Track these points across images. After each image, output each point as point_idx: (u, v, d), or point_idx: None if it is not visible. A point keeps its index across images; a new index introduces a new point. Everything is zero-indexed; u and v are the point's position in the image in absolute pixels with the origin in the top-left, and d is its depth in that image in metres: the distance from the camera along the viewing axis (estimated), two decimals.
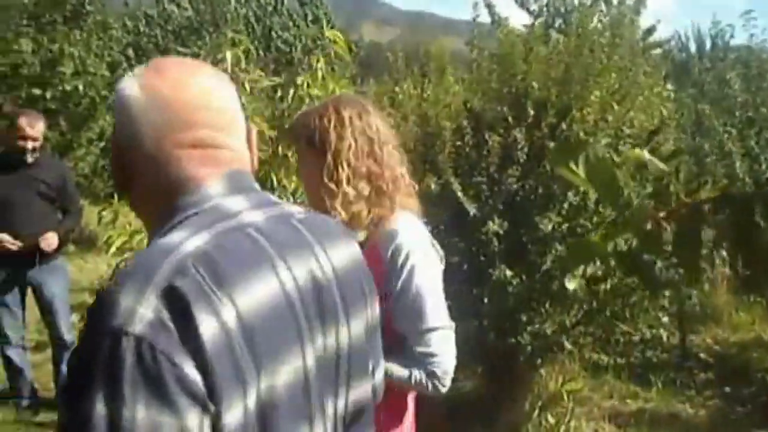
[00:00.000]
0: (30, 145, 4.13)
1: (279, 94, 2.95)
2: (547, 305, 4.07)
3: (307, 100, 2.70)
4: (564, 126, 4.12)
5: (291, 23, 18.94)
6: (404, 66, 5.92)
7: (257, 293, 0.89)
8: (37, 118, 4.22)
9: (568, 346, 4.13)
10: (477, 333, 4.14)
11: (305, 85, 2.87)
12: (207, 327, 0.81)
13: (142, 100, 0.94)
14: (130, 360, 0.77)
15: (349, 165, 1.73)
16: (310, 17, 19.22)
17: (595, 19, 4.86)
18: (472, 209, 3.92)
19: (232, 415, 0.82)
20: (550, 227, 3.86)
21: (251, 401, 0.85)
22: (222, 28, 15.32)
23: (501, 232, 3.91)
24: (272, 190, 2.90)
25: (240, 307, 0.85)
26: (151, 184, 0.96)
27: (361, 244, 1.38)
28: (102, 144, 10.64)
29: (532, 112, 4.10)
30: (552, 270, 3.89)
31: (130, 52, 15.33)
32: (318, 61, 3.06)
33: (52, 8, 10.26)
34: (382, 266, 1.67)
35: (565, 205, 3.87)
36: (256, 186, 1.03)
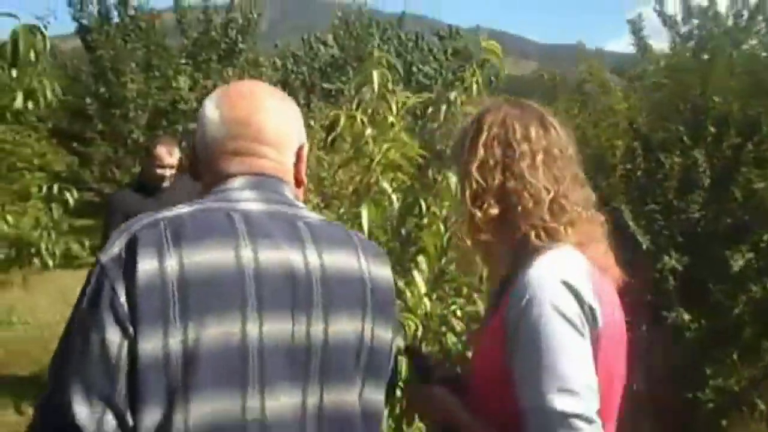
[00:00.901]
0: (168, 172, 4.12)
1: (430, 110, 2.56)
2: (734, 356, 3.40)
3: (460, 119, 2.27)
4: (751, 145, 3.46)
5: (431, 57, 18.83)
6: (553, 90, 5.42)
7: (206, 256, 1.01)
8: (173, 144, 4.22)
9: (760, 405, 3.42)
10: (646, 384, 3.53)
11: (458, 102, 2.43)
12: (145, 268, 0.98)
13: (209, 117, 1.17)
14: (92, 281, 0.99)
15: (476, 180, 1.30)
16: (450, 51, 19.03)
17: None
18: (645, 241, 3.34)
19: (148, 344, 0.95)
20: (741, 264, 3.20)
21: (173, 342, 0.96)
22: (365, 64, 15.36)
23: (679, 267, 3.30)
24: (420, 216, 2.46)
25: (184, 261, 0.99)
26: (207, 178, 1.17)
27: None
28: None
29: (713, 130, 3.48)
30: (744, 315, 3.22)
31: (279, 87, 15.74)
32: (473, 74, 2.61)
33: (208, 48, 10.60)
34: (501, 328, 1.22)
35: (765, 238, 3.21)
36: (285, 191, 1.16)
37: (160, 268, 0.97)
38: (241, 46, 10.98)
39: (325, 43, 19.07)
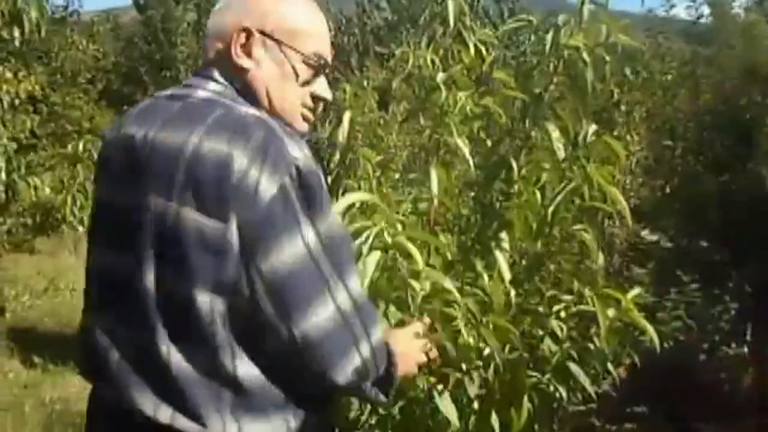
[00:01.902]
0: None
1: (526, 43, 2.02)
2: None
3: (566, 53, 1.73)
4: None
5: (487, 19, 17.96)
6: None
7: (119, 132, 1.14)
8: None
9: None
10: None
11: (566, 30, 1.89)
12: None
13: None
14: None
15: None
16: (506, 14, 18.11)
17: None
18: None
19: None
20: None
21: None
22: (421, 25, 14.72)
23: None
24: (509, 182, 1.95)
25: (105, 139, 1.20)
26: None
27: None
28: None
29: None
30: None
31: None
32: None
33: None
34: None
35: None
36: (213, 74, 1.14)
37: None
38: None
39: (378, 6, 18.38)
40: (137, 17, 10.70)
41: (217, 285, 1.00)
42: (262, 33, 1.13)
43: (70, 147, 7.67)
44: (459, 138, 2.18)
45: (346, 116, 2.08)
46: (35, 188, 4.03)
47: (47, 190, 4.15)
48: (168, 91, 1.18)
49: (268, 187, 0.98)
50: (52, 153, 7.49)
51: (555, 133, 1.73)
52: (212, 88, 1.11)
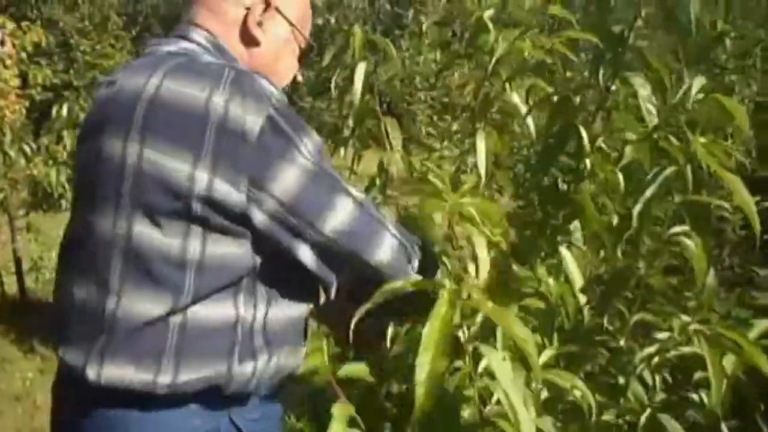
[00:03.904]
0: None
1: None
2: None
3: None
4: None
5: None
6: None
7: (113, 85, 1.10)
8: None
9: None
10: None
11: None
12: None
13: None
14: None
15: None
16: None
17: None
18: None
19: None
20: None
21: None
22: None
23: None
24: (579, 155, 1.49)
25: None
26: None
27: None
28: None
29: None
30: None
31: None
32: None
33: None
34: None
35: None
36: (192, 36, 1.15)
37: None
38: None
39: None
40: None
41: (177, 230, 1.01)
42: (278, 9, 1.19)
43: None
44: (515, 92, 1.72)
45: (360, 70, 1.62)
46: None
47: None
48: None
49: (255, 120, 0.99)
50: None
51: (644, 90, 1.24)
52: (183, 45, 1.13)
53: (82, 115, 7.69)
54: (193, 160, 0.98)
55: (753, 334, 1.09)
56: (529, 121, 1.62)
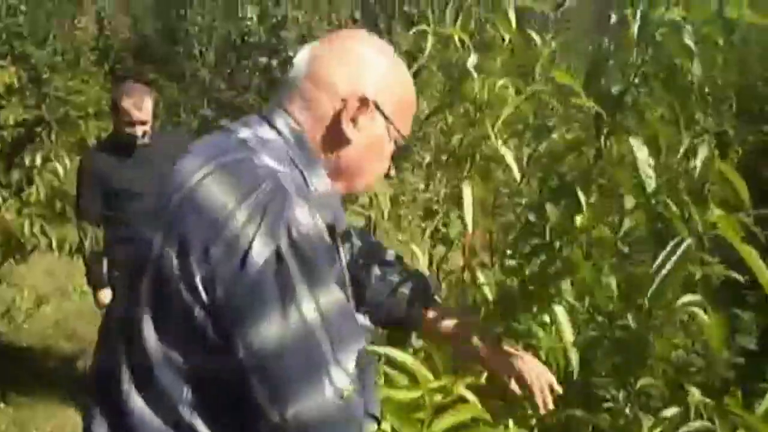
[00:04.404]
0: (140, 130, 3.43)
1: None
2: None
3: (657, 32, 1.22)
4: None
5: None
6: None
7: None
8: (142, 95, 3.46)
9: None
10: None
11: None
12: None
13: None
14: None
15: None
16: None
17: None
18: None
19: None
20: None
21: None
22: None
23: None
24: (573, 211, 1.49)
25: None
26: None
27: None
28: None
29: None
30: None
31: (357, 12, 14.57)
32: None
33: None
34: None
35: None
36: (274, 121, 1.11)
37: None
38: None
39: None
40: None
41: (178, 336, 0.97)
42: (376, 105, 1.10)
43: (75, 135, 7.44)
44: (501, 144, 1.70)
45: None
46: None
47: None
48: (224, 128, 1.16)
49: (261, 250, 0.93)
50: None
51: (641, 153, 1.22)
52: (261, 133, 1.09)
53: (53, 152, 7.60)
54: (205, 270, 0.95)
55: (761, 409, 1.06)
56: (516, 173, 1.59)
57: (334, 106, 1.09)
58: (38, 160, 3.91)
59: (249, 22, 8.86)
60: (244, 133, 1.08)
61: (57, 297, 5.83)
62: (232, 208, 0.95)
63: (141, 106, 3.39)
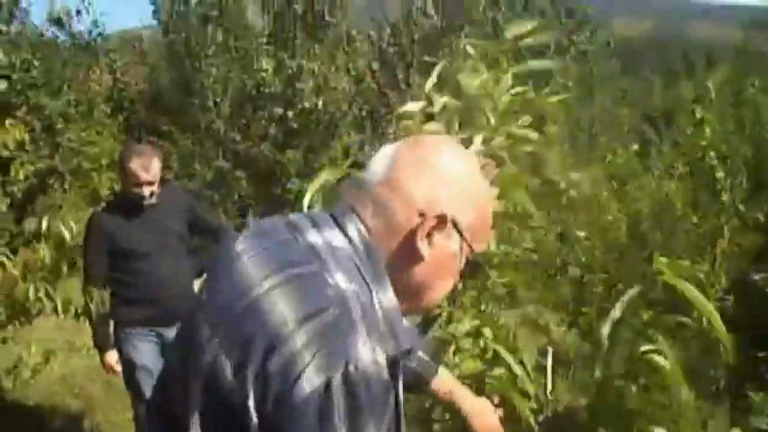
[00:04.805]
0: (147, 190, 3.45)
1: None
2: None
3: None
4: None
5: (540, 18, 17.25)
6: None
7: None
8: (150, 157, 3.50)
9: None
10: None
11: None
12: None
13: None
14: None
15: None
16: (563, 13, 17.38)
17: None
18: None
19: None
20: None
21: None
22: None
23: None
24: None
25: None
26: None
27: None
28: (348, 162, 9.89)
29: None
30: None
31: (375, 63, 14.65)
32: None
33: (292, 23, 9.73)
34: None
35: None
36: (343, 227, 1.07)
37: None
38: (328, 19, 10.00)
39: (425, 13, 17.80)
40: (161, 39, 10.45)
41: None
42: (454, 223, 1.06)
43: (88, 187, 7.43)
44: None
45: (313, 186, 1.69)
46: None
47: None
48: (294, 216, 1.11)
49: (312, 378, 0.89)
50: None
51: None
52: (330, 239, 1.04)
53: (65, 201, 7.57)
54: (251, 388, 0.93)
55: None
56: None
57: (410, 219, 1.04)
58: (44, 224, 3.84)
59: (264, 73, 8.93)
60: (313, 237, 1.04)
61: (65, 351, 5.73)
62: (293, 327, 0.92)
63: (149, 167, 3.41)
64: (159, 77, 10.08)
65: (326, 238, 1.03)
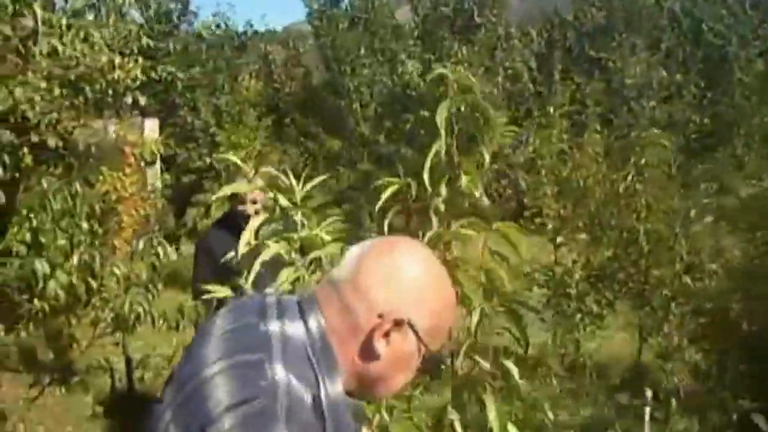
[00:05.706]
0: (251, 208, 3.52)
1: None
2: None
3: None
4: None
5: (724, 11, 15.85)
6: None
7: None
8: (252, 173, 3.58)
9: None
10: None
11: None
12: None
13: None
14: None
15: None
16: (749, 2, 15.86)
17: None
18: None
19: None
20: None
21: None
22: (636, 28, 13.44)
23: None
24: None
25: None
26: None
27: None
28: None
29: None
30: None
31: (532, 61, 14.23)
32: None
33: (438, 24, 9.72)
34: None
35: None
36: (306, 320, 1.13)
37: None
38: (477, 20, 9.89)
39: (594, 5, 16.95)
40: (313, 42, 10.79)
41: None
42: (411, 325, 1.12)
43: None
44: None
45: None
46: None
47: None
48: (269, 299, 1.18)
49: None
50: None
51: None
52: (288, 328, 1.11)
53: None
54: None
55: None
56: None
57: (369, 320, 1.11)
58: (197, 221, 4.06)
59: (408, 76, 9.00)
60: (273, 325, 1.11)
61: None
62: (221, 412, 0.99)
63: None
64: (311, 79, 10.43)
65: (284, 326, 1.11)
